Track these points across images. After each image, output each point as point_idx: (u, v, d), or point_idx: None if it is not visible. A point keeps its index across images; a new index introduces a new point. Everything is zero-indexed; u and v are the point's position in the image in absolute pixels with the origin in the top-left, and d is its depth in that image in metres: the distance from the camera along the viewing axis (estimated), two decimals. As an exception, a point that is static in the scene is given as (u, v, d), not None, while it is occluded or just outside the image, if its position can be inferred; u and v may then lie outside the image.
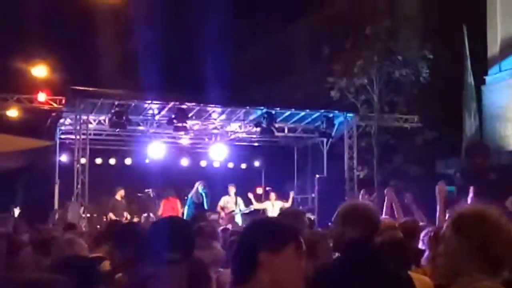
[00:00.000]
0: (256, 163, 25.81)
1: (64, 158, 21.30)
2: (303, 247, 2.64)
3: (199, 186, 19.00)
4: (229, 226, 17.88)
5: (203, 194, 18.91)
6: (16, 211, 20.83)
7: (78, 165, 17.81)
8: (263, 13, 30.17)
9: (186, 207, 19.24)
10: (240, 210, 19.33)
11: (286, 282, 2.57)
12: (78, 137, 17.99)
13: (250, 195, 20.11)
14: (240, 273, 2.60)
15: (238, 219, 19.08)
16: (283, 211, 5.56)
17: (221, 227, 14.59)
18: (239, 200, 19.59)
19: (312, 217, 17.54)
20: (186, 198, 20.05)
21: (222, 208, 19.24)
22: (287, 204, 19.54)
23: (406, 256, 4.62)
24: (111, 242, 4.53)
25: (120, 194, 19.47)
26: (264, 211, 19.47)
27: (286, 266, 2.56)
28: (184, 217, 17.69)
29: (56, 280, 2.71)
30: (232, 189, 19.55)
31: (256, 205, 19.86)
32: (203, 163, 24.65)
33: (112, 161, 24.09)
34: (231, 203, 19.33)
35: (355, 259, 3.71)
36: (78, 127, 18.13)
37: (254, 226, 2.71)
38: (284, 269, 2.56)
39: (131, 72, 23.21)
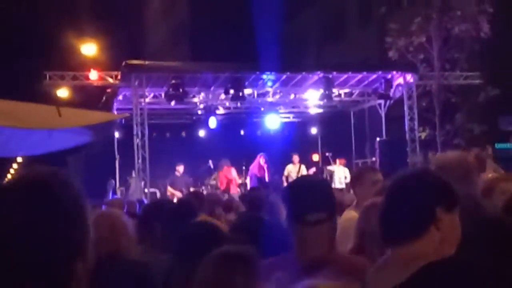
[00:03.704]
0: (313, 130, 25.44)
1: (117, 134, 21.13)
2: None
3: (260, 159, 18.78)
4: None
5: (264, 167, 18.71)
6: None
7: (137, 140, 17.76)
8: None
9: (248, 178, 19.08)
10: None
11: (451, 242, 2.44)
12: (136, 111, 17.88)
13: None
14: (410, 229, 2.40)
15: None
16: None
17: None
18: (303, 168, 19.41)
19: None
20: (243, 168, 19.95)
21: (286, 177, 19.10)
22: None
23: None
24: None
25: (178, 169, 19.33)
26: (331, 175, 19.36)
27: (455, 226, 2.44)
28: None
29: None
30: (296, 158, 19.45)
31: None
32: (259, 132, 24.44)
33: (168, 134, 24.02)
34: (294, 172, 19.17)
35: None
36: (135, 102, 18.04)
37: (428, 180, 2.49)
38: (453, 229, 2.43)
39: (182, 44, 23.03)
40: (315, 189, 3.00)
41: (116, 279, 3.29)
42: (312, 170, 19.88)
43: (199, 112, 21.46)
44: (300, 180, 3.80)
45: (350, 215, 4.96)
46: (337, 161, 20.05)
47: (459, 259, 2.42)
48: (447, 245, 2.42)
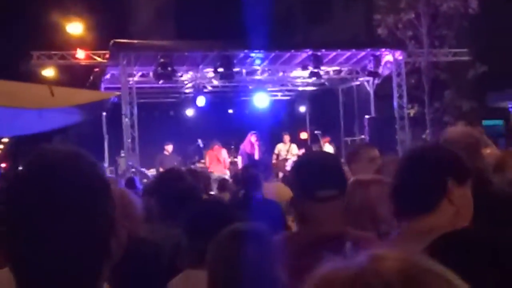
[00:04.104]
0: (301, 108, 25.36)
1: (105, 113, 20.92)
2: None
3: (251, 137, 18.72)
4: (280, 174, 17.92)
5: (255, 145, 18.67)
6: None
7: (126, 119, 17.64)
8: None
9: (239, 157, 19.02)
10: (291, 155, 19.10)
11: (465, 216, 2.45)
12: (124, 91, 17.73)
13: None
14: (423, 202, 2.42)
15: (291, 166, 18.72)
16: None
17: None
18: (293, 146, 19.38)
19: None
20: (232, 147, 19.90)
21: (277, 156, 19.13)
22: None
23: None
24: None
25: (167, 149, 19.24)
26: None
27: (467, 199, 2.46)
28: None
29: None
30: (286, 137, 19.44)
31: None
32: (247, 111, 24.40)
33: (156, 114, 23.88)
34: (284, 151, 19.19)
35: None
36: (123, 81, 17.89)
37: (439, 153, 2.51)
38: (466, 202, 2.45)
39: (169, 22, 22.86)
40: (325, 165, 2.96)
41: (125, 258, 3.26)
42: (302, 151, 19.80)
43: (187, 90, 21.38)
44: (310, 155, 3.75)
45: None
46: (321, 141, 20.00)
47: (474, 230, 2.37)
48: (461, 218, 2.41)
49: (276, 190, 8.64)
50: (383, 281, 0.95)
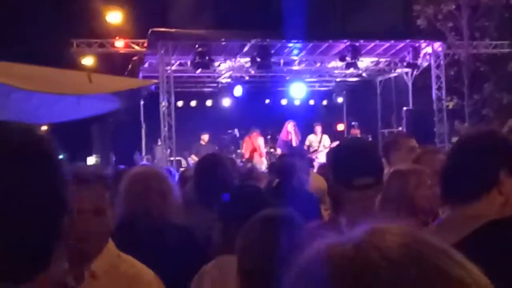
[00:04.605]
0: (339, 99, 25.15)
1: (142, 102, 21.07)
2: None
3: (288, 125, 18.69)
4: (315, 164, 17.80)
5: (292, 131, 18.62)
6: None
7: (164, 108, 17.75)
8: None
9: (278, 148, 19.01)
10: (324, 147, 18.97)
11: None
12: (162, 79, 17.84)
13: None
14: (472, 189, 2.39)
15: (322, 157, 18.63)
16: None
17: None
18: (325, 138, 19.24)
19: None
20: (269, 137, 19.89)
21: (308, 147, 19.02)
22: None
23: None
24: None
25: (203, 138, 19.29)
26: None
27: None
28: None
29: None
30: (318, 128, 19.29)
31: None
32: (283, 101, 24.32)
33: (193, 103, 23.95)
34: (316, 142, 19.08)
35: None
36: (161, 70, 18.00)
37: (494, 142, 2.47)
38: None
39: (207, 11, 22.85)
40: (362, 153, 2.93)
41: (160, 244, 3.28)
42: (335, 143, 19.64)
43: (224, 80, 21.42)
44: (347, 143, 3.71)
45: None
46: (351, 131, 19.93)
47: None
48: (509, 208, 2.38)
49: (310, 179, 8.58)
50: (384, 255, 0.90)
